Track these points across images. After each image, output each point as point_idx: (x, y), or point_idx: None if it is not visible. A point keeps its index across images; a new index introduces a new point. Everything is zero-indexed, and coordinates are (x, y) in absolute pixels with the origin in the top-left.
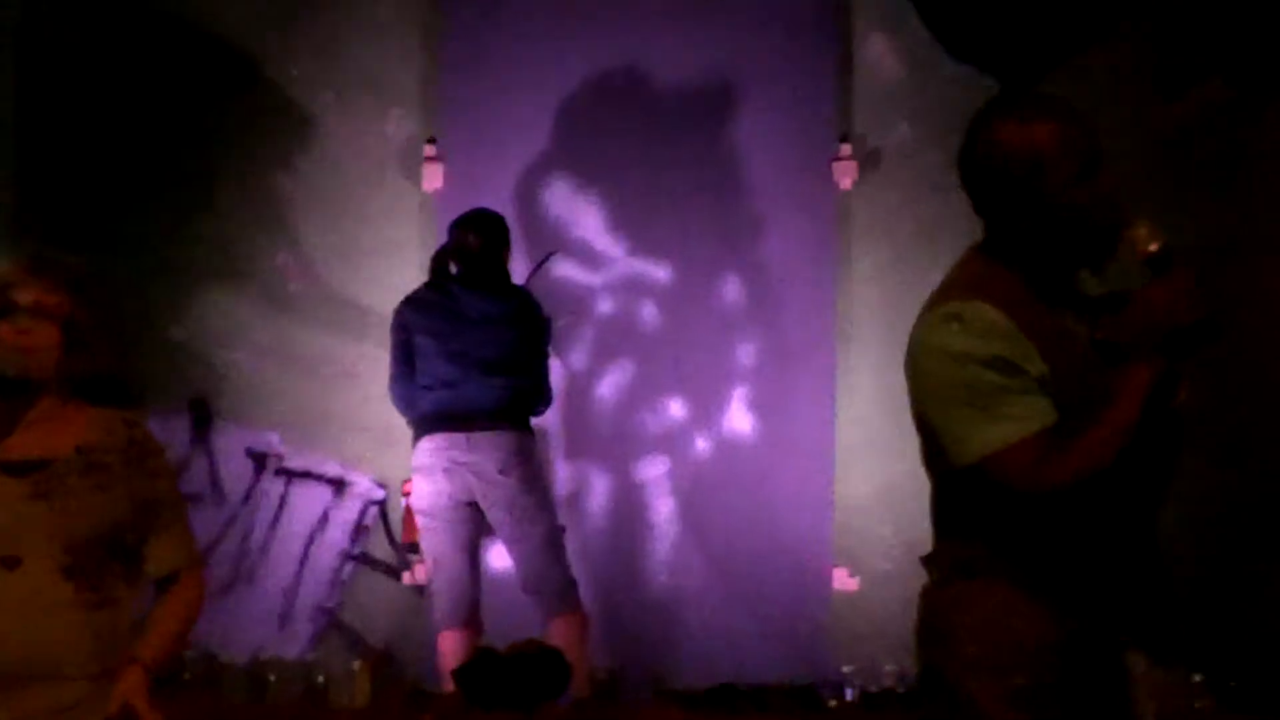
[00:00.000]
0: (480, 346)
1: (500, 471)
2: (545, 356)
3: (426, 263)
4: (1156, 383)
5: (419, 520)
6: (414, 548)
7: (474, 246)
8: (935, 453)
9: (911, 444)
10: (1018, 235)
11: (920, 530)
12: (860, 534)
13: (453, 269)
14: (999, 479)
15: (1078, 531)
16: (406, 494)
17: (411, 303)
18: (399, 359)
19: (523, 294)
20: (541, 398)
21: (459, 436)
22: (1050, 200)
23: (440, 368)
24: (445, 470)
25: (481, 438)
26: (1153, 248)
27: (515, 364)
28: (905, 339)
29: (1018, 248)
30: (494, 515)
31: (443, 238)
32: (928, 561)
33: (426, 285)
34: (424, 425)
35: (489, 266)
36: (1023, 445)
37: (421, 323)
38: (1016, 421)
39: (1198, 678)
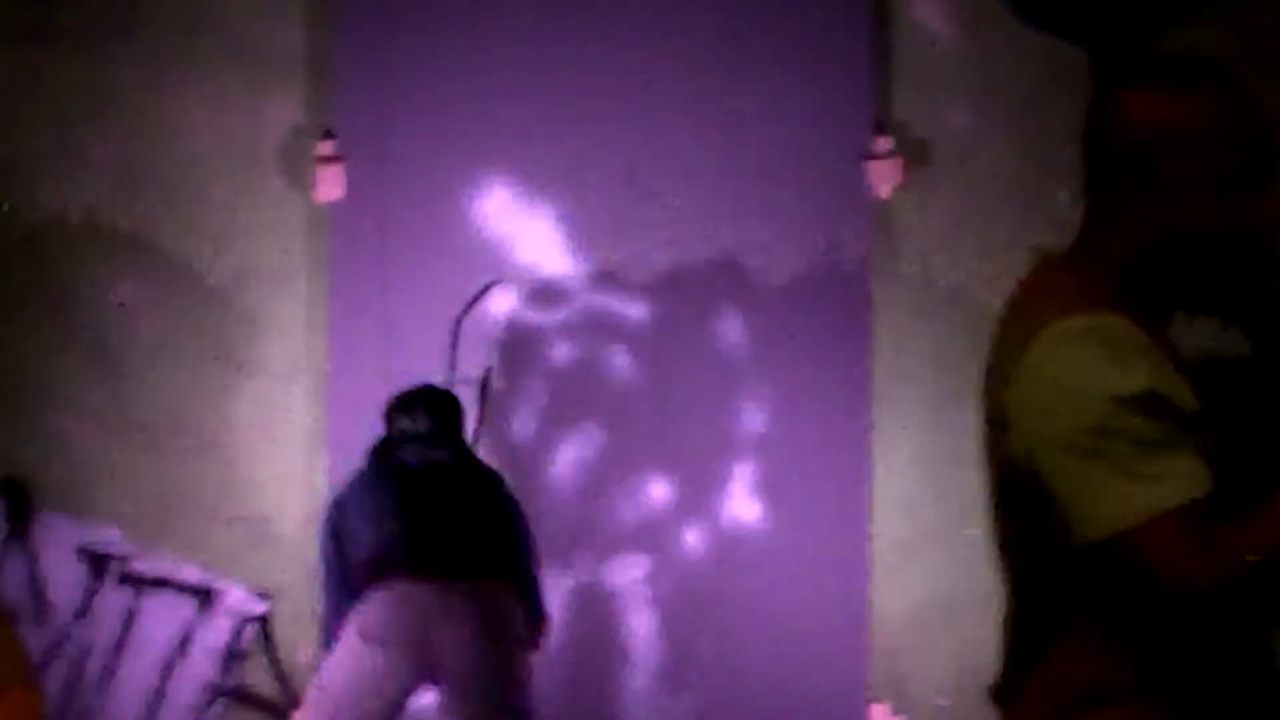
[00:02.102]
0: (430, 495)
1: (483, 642)
2: (529, 562)
3: (315, 300)
4: None
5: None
6: None
7: (424, 427)
8: (1043, 526)
9: (974, 537)
10: (1123, 241)
11: (986, 653)
12: (904, 659)
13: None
14: (1138, 563)
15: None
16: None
17: (340, 489)
18: (334, 582)
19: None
20: (537, 617)
21: (427, 589)
22: (1178, 198)
23: (378, 506)
24: (402, 644)
25: (461, 590)
26: None
27: (480, 516)
28: (963, 395)
29: (1120, 260)
30: (457, 708)
31: (342, 263)
32: (1024, 692)
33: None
34: (368, 571)
35: (446, 443)
36: (1177, 517)
37: (352, 491)
38: (1170, 483)
39: None
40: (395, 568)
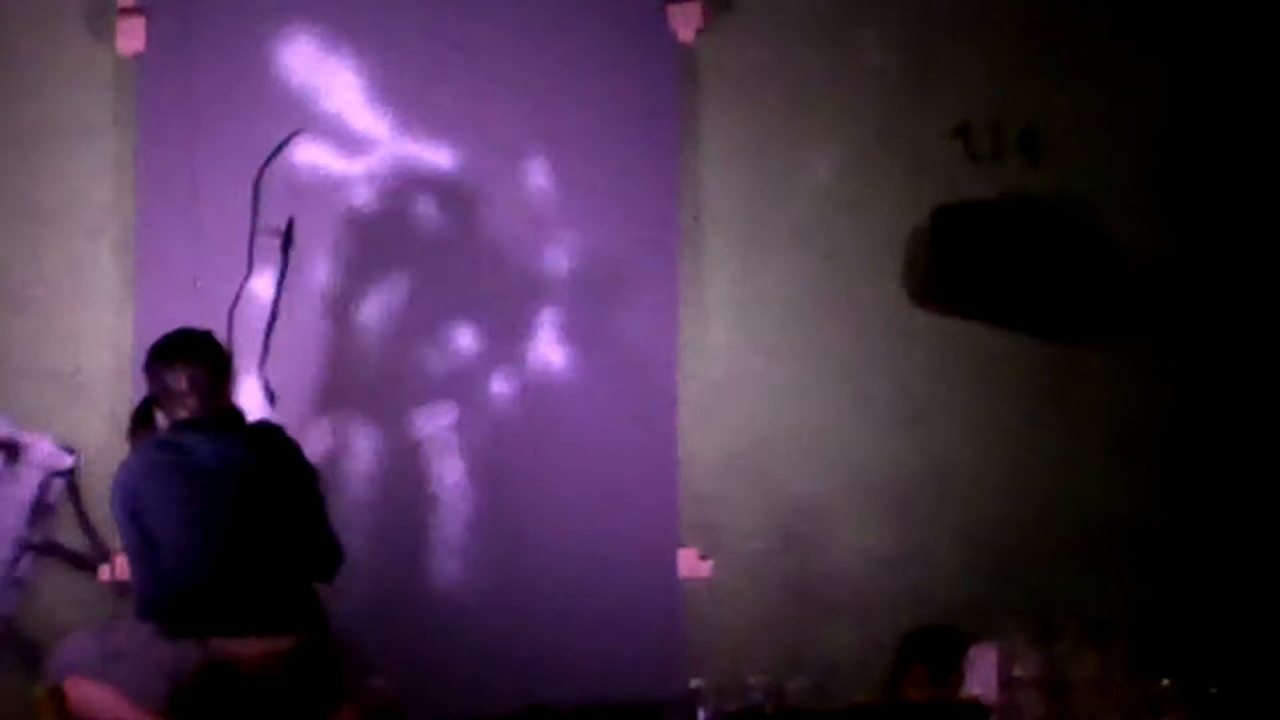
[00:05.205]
0: (234, 506)
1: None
2: (321, 505)
3: (123, 153)
4: None
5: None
6: None
7: (187, 385)
8: None
9: (785, 381)
10: None
11: (797, 497)
12: (715, 503)
13: (162, 420)
14: None
15: None
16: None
17: (130, 469)
18: (140, 549)
19: (270, 429)
20: (333, 556)
21: (240, 646)
22: None
23: (184, 540)
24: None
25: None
26: None
27: (286, 522)
28: (772, 238)
29: None
30: None
31: (148, 115)
32: None
33: (140, 442)
34: (175, 617)
35: (215, 403)
36: None
37: (150, 490)
38: None
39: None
40: (208, 619)
